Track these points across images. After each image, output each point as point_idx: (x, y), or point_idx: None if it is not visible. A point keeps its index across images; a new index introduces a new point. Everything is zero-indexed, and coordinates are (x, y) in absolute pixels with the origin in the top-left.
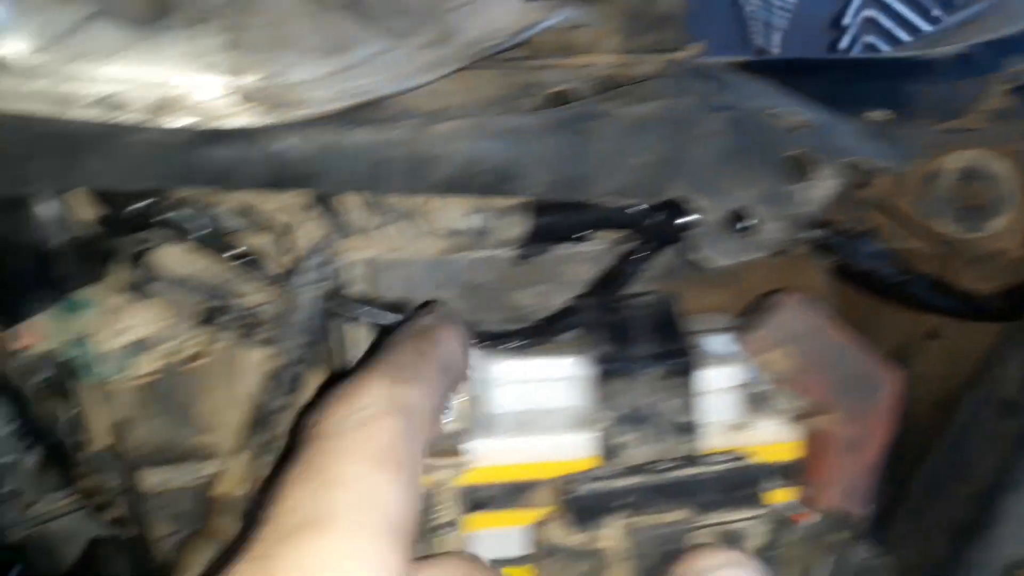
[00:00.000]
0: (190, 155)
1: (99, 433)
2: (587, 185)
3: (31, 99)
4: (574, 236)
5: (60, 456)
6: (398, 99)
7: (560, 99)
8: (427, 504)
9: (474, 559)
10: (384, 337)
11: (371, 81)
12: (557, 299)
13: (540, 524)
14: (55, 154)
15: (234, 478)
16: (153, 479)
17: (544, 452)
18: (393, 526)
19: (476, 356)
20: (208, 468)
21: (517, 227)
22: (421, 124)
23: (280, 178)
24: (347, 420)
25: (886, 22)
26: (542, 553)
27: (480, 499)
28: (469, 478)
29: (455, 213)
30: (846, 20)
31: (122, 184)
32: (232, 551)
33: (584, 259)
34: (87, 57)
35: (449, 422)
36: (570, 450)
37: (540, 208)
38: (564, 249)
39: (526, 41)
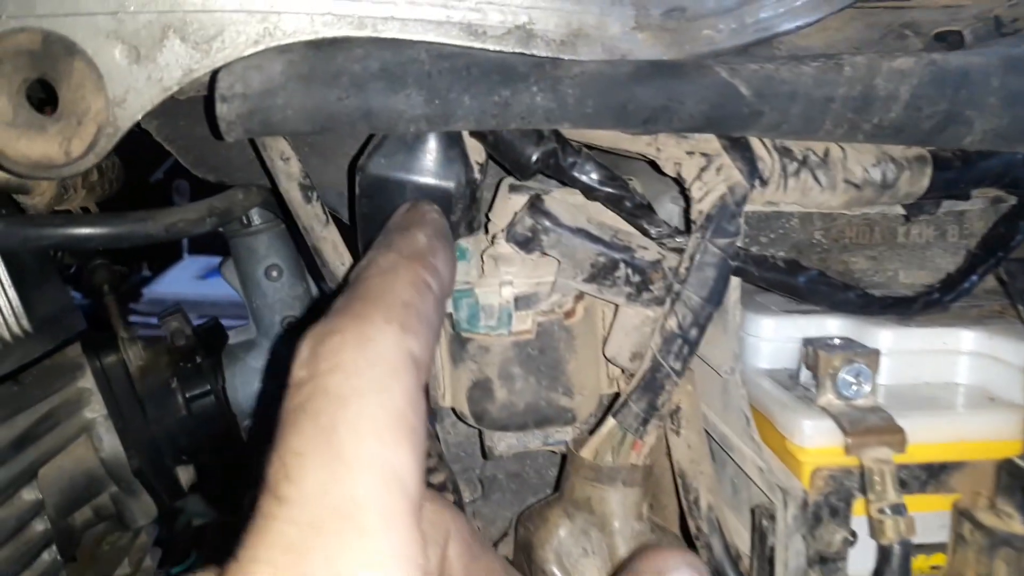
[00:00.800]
0: (625, 92)
1: (450, 390)
2: None
3: (443, 29)
4: (957, 195)
5: None
6: (787, 39)
7: (953, 39)
8: (864, 484)
9: (436, 495)
10: None
11: (770, 16)
12: (890, 264)
13: (972, 509)
14: (483, 88)
15: (601, 445)
16: (504, 443)
17: (962, 431)
18: (415, 506)
19: (864, 323)
20: (564, 434)
21: (921, 180)
22: (872, 61)
23: (716, 117)
24: (361, 378)
25: None
26: (989, 543)
27: (900, 480)
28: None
29: (862, 164)
30: None
31: (553, 122)
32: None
33: (923, 222)
34: None
35: (873, 393)
36: (991, 430)
37: (936, 161)
38: (947, 207)
39: None
